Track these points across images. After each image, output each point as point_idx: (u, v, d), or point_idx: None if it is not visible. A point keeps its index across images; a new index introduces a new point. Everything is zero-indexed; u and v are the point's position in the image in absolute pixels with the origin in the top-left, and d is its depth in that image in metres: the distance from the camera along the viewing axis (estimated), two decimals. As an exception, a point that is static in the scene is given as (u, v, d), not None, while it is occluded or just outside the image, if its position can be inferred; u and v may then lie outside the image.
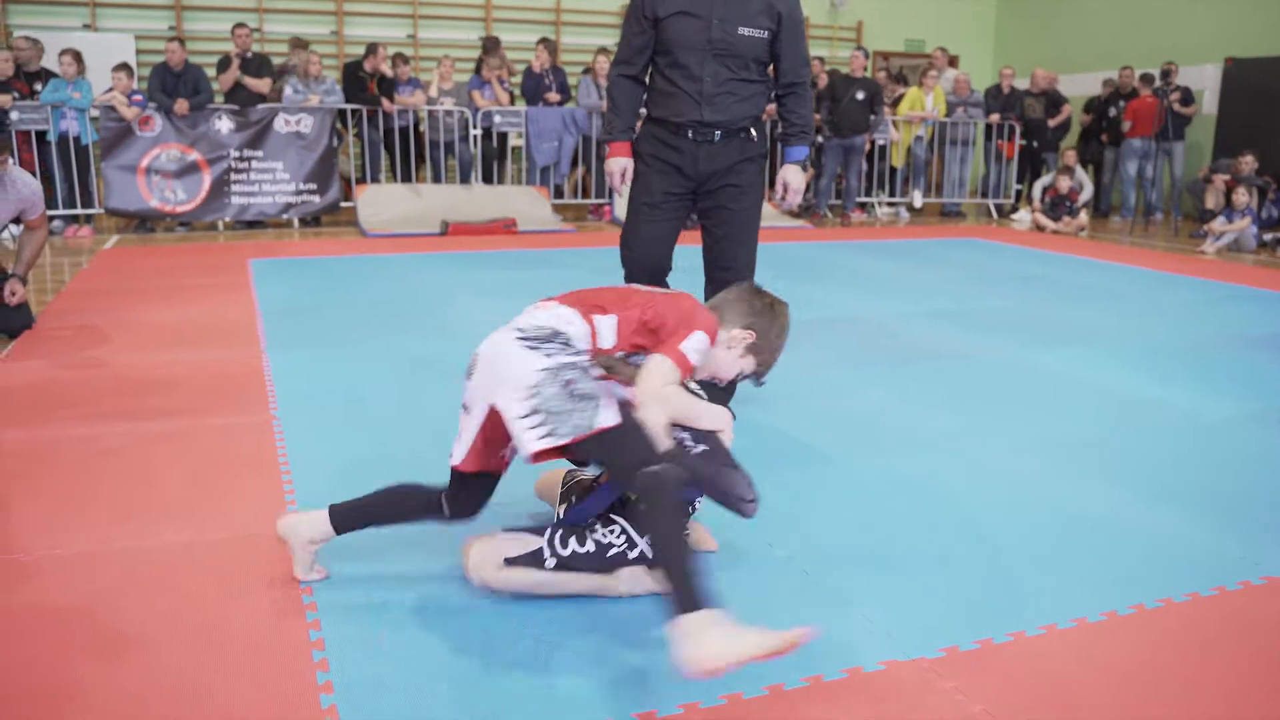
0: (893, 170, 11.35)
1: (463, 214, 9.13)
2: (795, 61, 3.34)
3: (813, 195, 10.97)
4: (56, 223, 8.67)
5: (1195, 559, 2.46)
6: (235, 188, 9.09)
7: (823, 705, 1.81)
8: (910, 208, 11.38)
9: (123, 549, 2.42)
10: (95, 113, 8.71)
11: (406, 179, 9.95)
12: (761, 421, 3.48)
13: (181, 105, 8.72)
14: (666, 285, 3.35)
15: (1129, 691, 1.88)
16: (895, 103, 11.22)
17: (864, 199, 11.19)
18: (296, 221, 9.41)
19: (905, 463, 3.12)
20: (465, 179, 10.06)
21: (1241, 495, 2.88)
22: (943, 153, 11.46)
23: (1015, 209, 11.34)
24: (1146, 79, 10.76)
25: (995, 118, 11.25)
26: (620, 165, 3.35)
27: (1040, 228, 10.11)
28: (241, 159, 9.08)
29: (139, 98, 8.73)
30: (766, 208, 10.36)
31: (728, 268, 3.38)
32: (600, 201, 10.45)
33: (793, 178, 3.44)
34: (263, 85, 9.26)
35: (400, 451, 3.14)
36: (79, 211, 8.82)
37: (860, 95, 9.96)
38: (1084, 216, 10.03)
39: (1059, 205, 10.11)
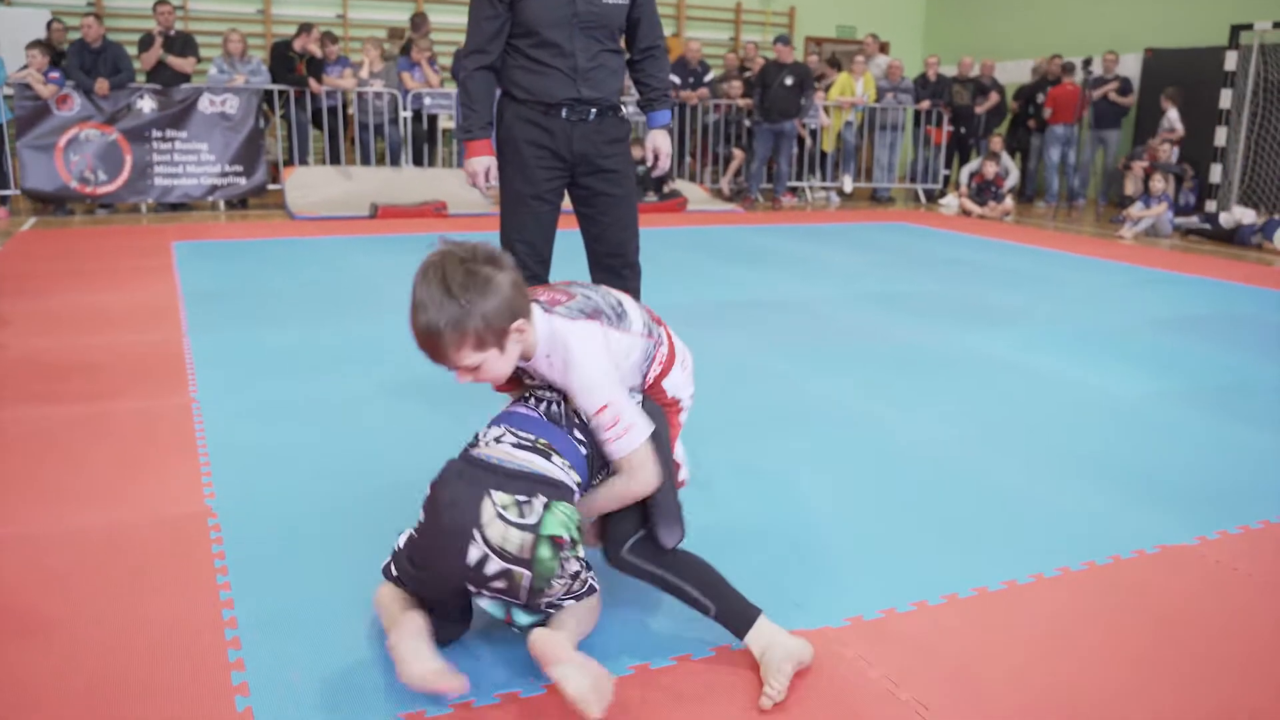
0: (823, 155, 11.50)
1: (392, 196, 9.07)
2: (653, 24, 3.29)
3: (744, 179, 11.08)
4: (-30, 204, 8.45)
5: (1095, 530, 2.57)
6: (158, 169, 8.93)
7: (724, 672, 1.87)
8: (840, 192, 11.54)
9: (40, 533, 2.41)
10: (9, 91, 8.49)
11: (335, 161, 9.86)
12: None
13: (101, 85, 8.54)
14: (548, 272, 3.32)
15: (1024, 657, 1.97)
16: (828, 88, 11.35)
17: (795, 183, 11.32)
18: (222, 204, 9.27)
19: (824, 440, 3.20)
20: (395, 161, 10.00)
21: (1146, 469, 3.00)
22: (873, 138, 11.64)
23: (943, 194, 11.55)
24: (1068, 68, 11.02)
25: (924, 105, 11.44)
26: (484, 164, 3.17)
27: (966, 212, 10.32)
28: (164, 139, 8.92)
29: (56, 75, 8.53)
30: (698, 190, 10.46)
31: (618, 254, 3.31)
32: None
33: (663, 143, 3.36)
34: (186, 64, 9.10)
35: (319, 437, 3.14)
36: (-6, 192, 8.61)
37: (789, 80, 10.06)
38: (1009, 202, 10.26)
39: (985, 190, 10.33)
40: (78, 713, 1.71)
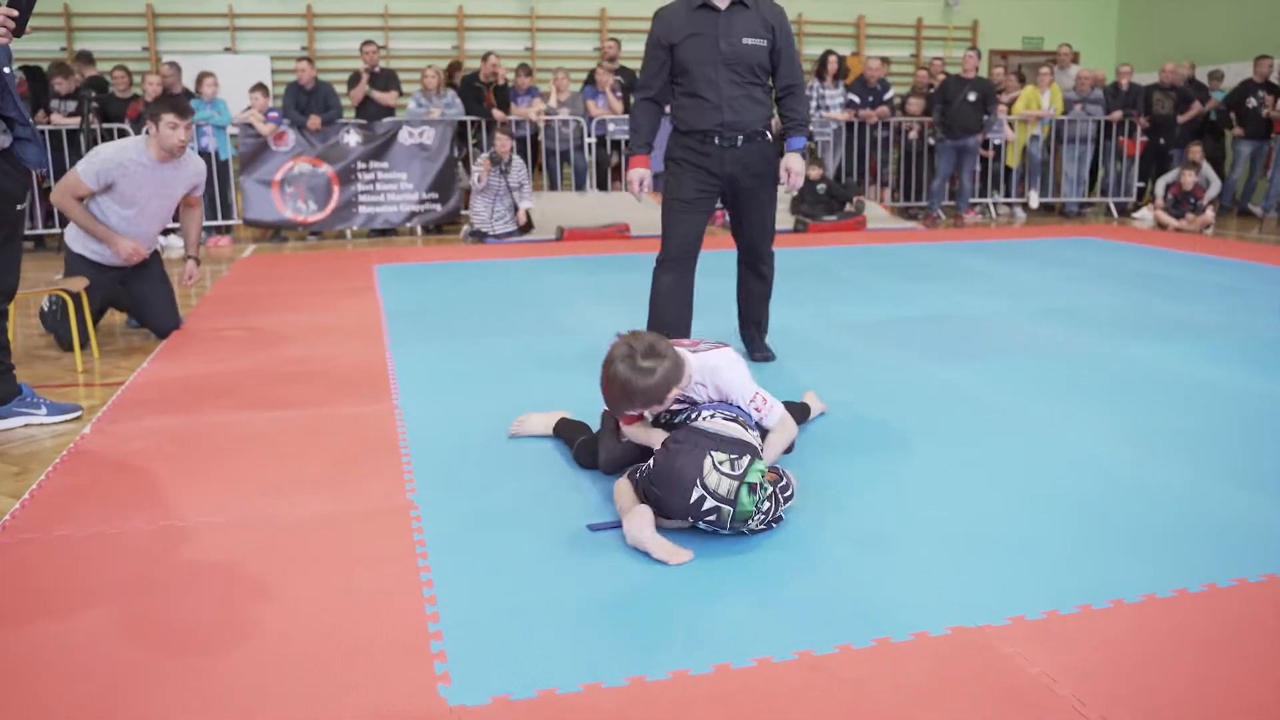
0: (1008, 170, 11.23)
1: (578, 219, 9.42)
2: (791, 66, 3.99)
3: (926, 197, 10.95)
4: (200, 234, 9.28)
5: (1277, 543, 2.50)
6: (362, 198, 9.58)
7: (885, 663, 1.96)
8: (1026, 208, 11.24)
9: (266, 518, 2.72)
10: (234, 130, 9.30)
11: (523, 187, 10.31)
12: (859, 410, 3.61)
13: (314, 121, 9.25)
14: (693, 267, 4.17)
15: (1190, 663, 1.97)
16: (1012, 102, 11.10)
17: (979, 199, 11.11)
18: (420, 229, 9.85)
19: (995, 448, 3.22)
20: (580, 186, 10.38)
21: (1335, 485, 2.89)
22: (1060, 152, 11.28)
23: (1137, 208, 11.09)
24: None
25: (1116, 115, 11.02)
26: (639, 176, 4.06)
27: (1162, 226, 9.89)
28: (368, 170, 9.56)
29: (274, 115, 9.29)
30: (878, 209, 10.41)
31: (754, 249, 4.23)
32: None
33: (794, 163, 4.04)
34: (389, 98, 9.74)
35: (509, 439, 3.38)
36: (219, 223, 9.43)
37: (972, 96, 9.91)
38: (1209, 214, 9.76)
39: (1182, 202, 9.87)
40: (295, 660, 1.95)
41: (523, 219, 9.20)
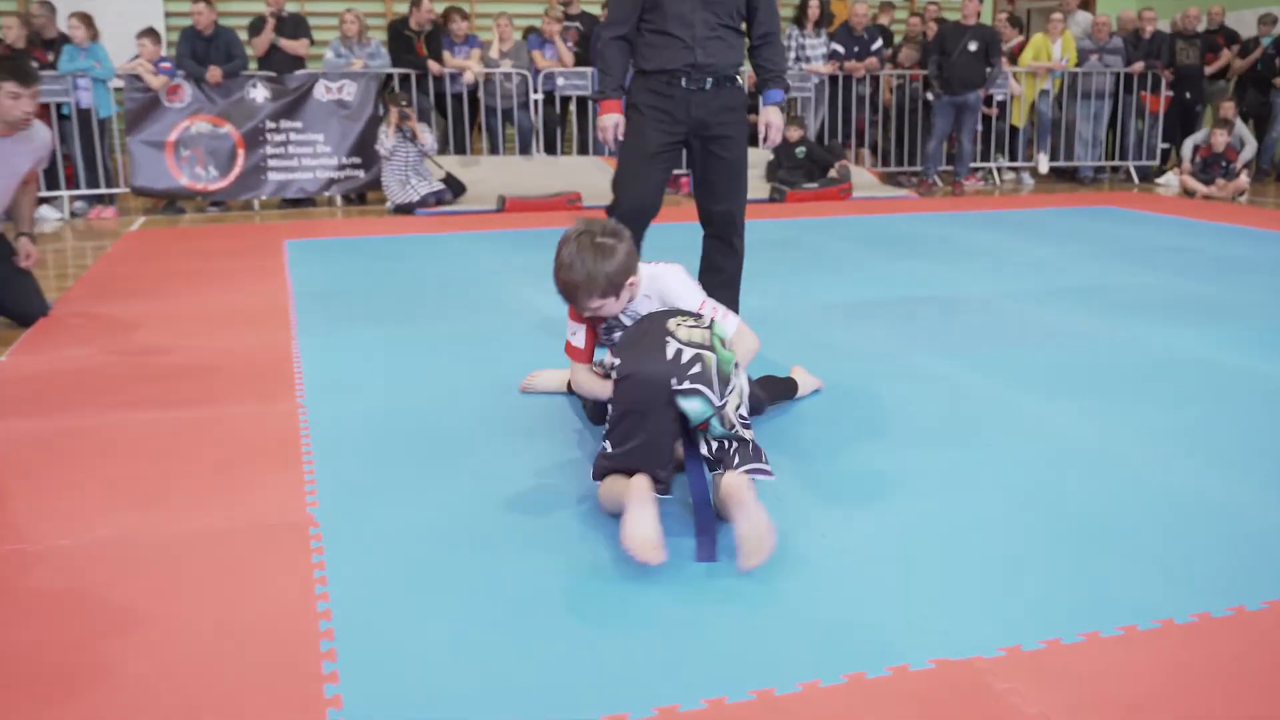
0: (1014, 130, 11.27)
1: (522, 188, 9.35)
2: (769, 13, 4.13)
3: (920, 161, 10.97)
4: (79, 204, 9.11)
5: (1311, 558, 2.49)
6: (272, 163, 9.44)
7: (858, 703, 1.91)
8: (1035, 173, 11.29)
9: (137, 538, 2.63)
10: (118, 83, 9.12)
11: (461, 150, 10.21)
12: (839, 405, 3.58)
13: (214, 73, 9.09)
14: (645, 231, 4.09)
15: (1212, 699, 1.94)
16: (1014, 54, 11.13)
17: (980, 164, 11.13)
18: (339, 199, 9.72)
19: (995, 450, 3.19)
20: (525, 149, 10.29)
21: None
22: (1074, 109, 11.32)
23: (1162, 172, 11.17)
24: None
25: (1138, 66, 11.08)
26: (613, 121, 4.10)
27: (1190, 193, 9.96)
28: (279, 130, 9.42)
29: (167, 65, 9.12)
30: (866, 175, 10.42)
31: (726, 220, 4.16)
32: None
33: (774, 118, 4.22)
34: (299, 46, 9.60)
35: (433, 442, 3.31)
36: (101, 191, 9.25)
37: (973, 46, 9.93)
38: (1244, 179, 9.84)
39: (1213, 166, 9.94)
40: (160, 706, 1.88)
41: (436, 171, 9.21)
